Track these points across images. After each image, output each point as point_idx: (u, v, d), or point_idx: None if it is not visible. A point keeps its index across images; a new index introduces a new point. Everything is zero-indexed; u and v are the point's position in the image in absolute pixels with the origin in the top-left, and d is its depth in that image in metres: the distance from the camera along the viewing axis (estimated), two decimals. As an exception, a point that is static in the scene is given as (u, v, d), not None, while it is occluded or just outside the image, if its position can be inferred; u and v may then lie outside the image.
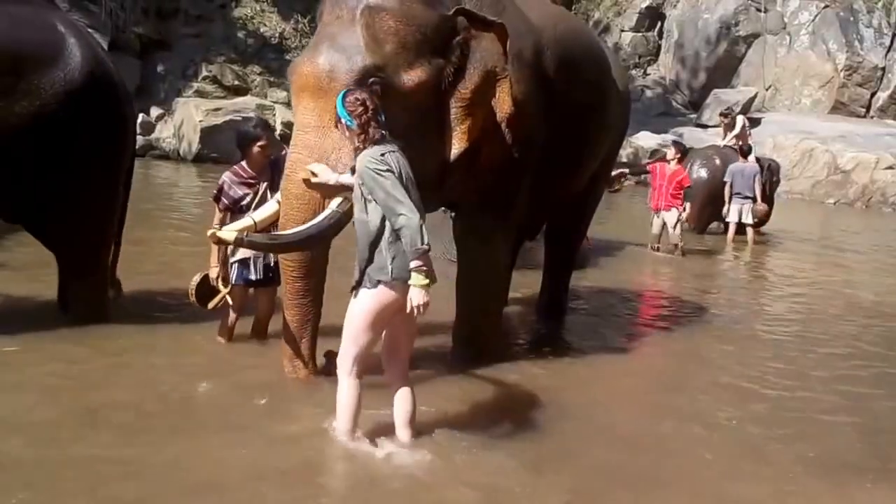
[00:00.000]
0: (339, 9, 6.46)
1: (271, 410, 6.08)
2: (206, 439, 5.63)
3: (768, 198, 16.93)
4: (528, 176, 7.44)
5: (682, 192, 13.76)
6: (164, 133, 21.90)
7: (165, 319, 7.86)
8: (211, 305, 7.21)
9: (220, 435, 5.70)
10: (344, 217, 6.14)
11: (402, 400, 5.70)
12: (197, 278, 7.21)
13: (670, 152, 14.32)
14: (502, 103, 6.71)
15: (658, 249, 13.84)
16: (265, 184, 7.17)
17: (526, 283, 9.88)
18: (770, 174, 16.98)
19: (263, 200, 7.02)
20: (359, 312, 5.48)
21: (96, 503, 4.79)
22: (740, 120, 19.40)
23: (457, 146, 6.64)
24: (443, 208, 9.04)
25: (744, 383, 7.71)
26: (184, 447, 5.49)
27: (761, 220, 16.89)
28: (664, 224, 13.90)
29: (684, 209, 13.91)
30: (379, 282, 5.40)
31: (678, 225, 13.76)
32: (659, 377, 8.08)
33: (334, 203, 6.15)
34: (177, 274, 8.39)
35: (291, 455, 5.49)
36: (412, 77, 6.41)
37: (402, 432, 5.67)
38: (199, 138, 21.16)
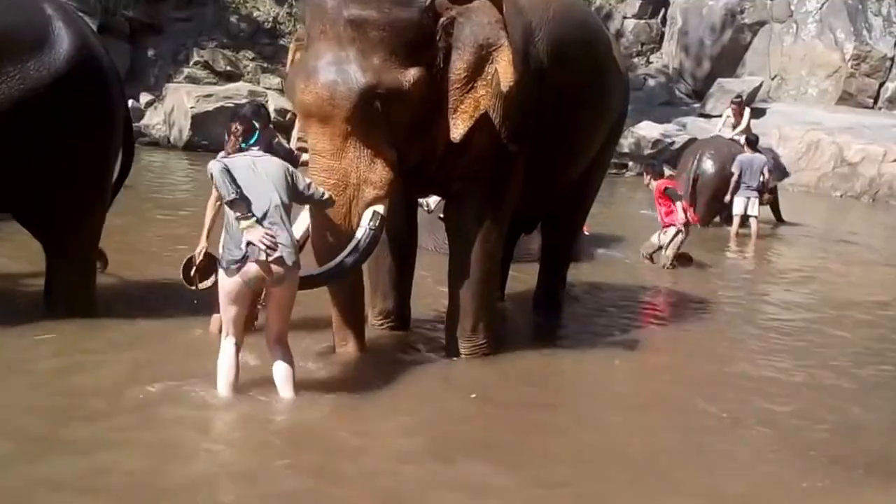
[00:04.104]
0: (320, 23, 6.62)
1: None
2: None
3: (771, 189, 16.99)
4: (521, 162, 7.44)
5: (669, 200, 12.58)
6: (154, 119, 21.83)
7: (156, 310, 7.86)
8: (198, 286, 7.29)
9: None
10: (378, 231, 6.59)
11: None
12: (187, 258, 7.30)
13: (645, 177, 13.49)
14: (504, 73, 6.70)
15: (650, 258, 12.85)
16: None
17: (522, 276, 9.82)
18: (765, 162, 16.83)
19: None
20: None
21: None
22: (747, 112, 19.37)
23: (460, 126, 6.78)
24: (427, 205, 8.99)
25: (742, 379, 7.74)
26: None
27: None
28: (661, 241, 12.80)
29: (679, 209, 12.60)
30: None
31: (672, 244, 12.59)
32: (655, 371, 8.14)
33: (365, 220, 6.56)
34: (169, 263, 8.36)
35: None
36: (407, 78, 6.57)
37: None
38: (190, 125, 21.08)
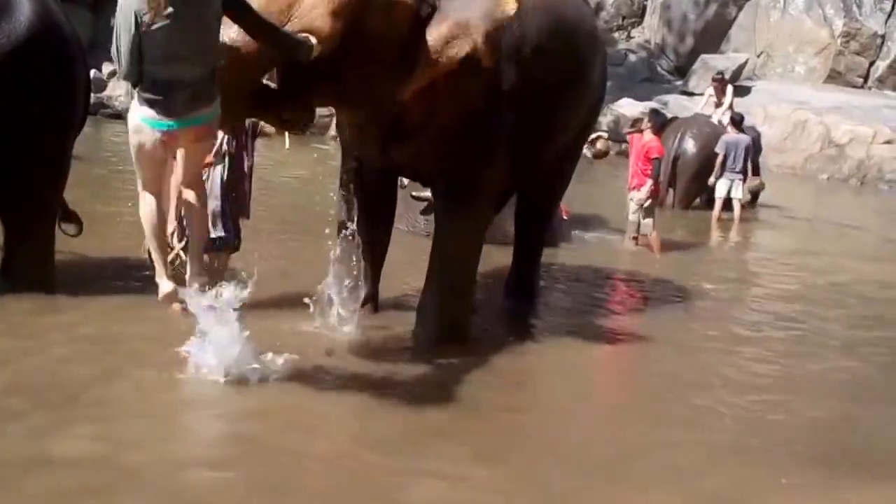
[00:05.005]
0: None
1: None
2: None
3: (754, 167, 16.94)
4: (498, 146, 7.41)
5: (650, 166, 12.63)
6: (117, 91, 21.65)
7: (116, 287, 7.85)
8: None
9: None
10: (306, 48, 6.13)
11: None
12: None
13: (644, 122, 13.36)
14: (479, 54, 6.63)
15: (637, 241, 12.78)
16: (225, 136, 7.33)
17: (494, 260, 9.68)
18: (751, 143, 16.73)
19: (220, 160, 7.36)
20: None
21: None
22: (730, 89, 19.42)
23: (407, 86, 6.65)
24: (400, 181, 8.91)
25: (722, 370, 7.80)
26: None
27: (756, 194, 17.14)
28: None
29: (648, 186, 12.63)
30: None
31: (641, 209, 12.66)
32: (633, 361, 8.23)
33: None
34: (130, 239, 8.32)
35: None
36: None
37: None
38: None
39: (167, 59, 6.13)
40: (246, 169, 7.47)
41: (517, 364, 7.55)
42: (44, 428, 5.42)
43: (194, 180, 6.71)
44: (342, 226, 7.83)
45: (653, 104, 24.01)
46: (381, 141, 7.24)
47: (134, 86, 6.35)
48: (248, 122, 7.57)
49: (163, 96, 6.19)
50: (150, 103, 6.22)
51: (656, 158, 12.68)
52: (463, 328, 7.67)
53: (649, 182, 12.59)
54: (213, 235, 7.33)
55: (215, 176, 7.35)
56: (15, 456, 5.06)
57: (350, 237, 7.71)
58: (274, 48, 6.12)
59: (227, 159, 7.37)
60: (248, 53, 6.14)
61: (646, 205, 12.64)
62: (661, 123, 13.22)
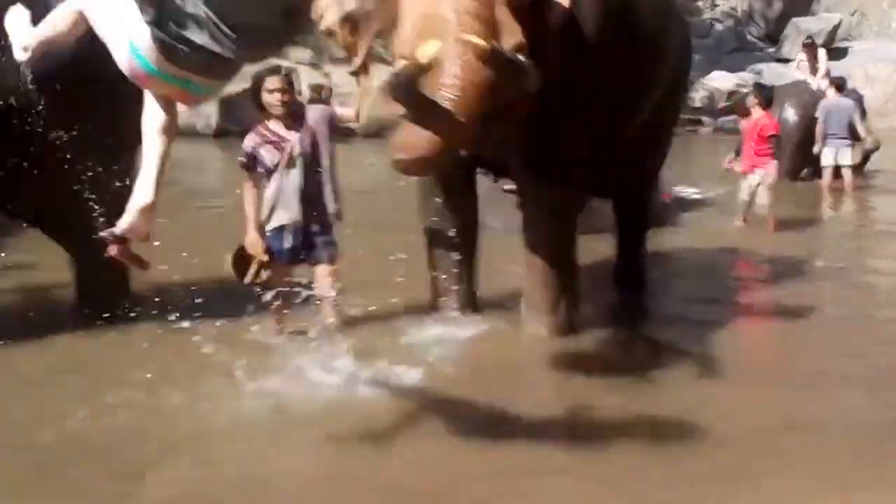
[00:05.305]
0: None
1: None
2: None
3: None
4: (584, 127, 7.18)
5: (768, 144, 12.36)
6: (178, 108, 21.44)
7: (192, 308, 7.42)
8: (247, 280, 7.02)
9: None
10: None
11: None
12: (237, 248, 7.13)
13: (750, 99, 13.15)
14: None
15: (746, 220, 12.51)
16: (295, 137, 6.97)
17: (595, 250, 9.32)
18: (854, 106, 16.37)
19: (292, 164, 6.97)
20: None
21: None
22: (823, 53, 19.14)
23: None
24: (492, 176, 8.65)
25: (860, 356, 7.32)
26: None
27: (870, 153, 16.84)
28: (753, 190, 12.54)
29: (774, 166, 12.49)
30: None
31: (761, 188, 12.39)
32: (758, 350, 8.01)
33: None
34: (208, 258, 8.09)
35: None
36: None
37: None
38: (217, 110, 20.71)
39: (202, 18, 5.60)
40: (324, 169, 7.09)
41: (632, 358, 7.35)
42: (134, 461, 5.40)
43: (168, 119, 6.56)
44: (433, 234, 7.88)
45: (747, 75, 23.74)
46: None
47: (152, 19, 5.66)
48: (321, 115, 7.22)
49: (171, 44, 5.62)
50: (157, 39, 5.59)
51: (774, 136, 12.43)
52: (573, 320, 7.49)
53: (774, 162, 12.44)
54: (287, 246, 7.05)
55: (289, 185, 6.98)
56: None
57: (445, 245, 7.80)
58: (508, 73, 5.46)
59: (300, 162, 6.97)
60: (475, 84, 5.38)
61: (761, 193, 12.41)
62: (767, 97, 12.89)
